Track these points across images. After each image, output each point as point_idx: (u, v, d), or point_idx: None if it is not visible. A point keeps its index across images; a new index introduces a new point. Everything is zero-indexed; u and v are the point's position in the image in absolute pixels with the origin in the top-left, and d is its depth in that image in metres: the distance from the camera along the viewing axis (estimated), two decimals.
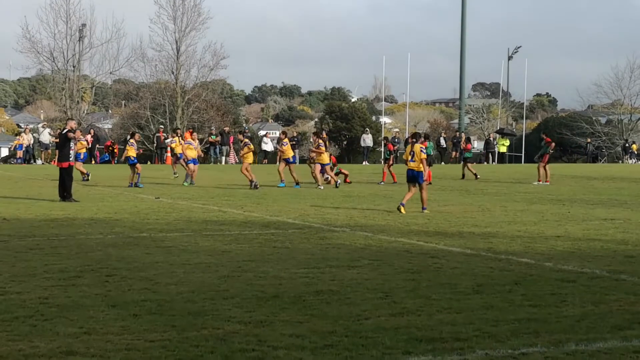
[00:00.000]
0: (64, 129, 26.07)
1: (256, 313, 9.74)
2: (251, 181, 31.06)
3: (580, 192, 31.45)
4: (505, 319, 9.57)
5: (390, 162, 36.85)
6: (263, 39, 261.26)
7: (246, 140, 33.07)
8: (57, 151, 26.89)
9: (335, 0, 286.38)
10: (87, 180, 33.57)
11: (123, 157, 33.12)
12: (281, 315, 9.64)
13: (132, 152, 32.03)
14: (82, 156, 35.76)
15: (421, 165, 22.27)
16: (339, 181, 32.74)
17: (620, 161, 71.58)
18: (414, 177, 22.46)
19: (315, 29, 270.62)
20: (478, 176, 38.91)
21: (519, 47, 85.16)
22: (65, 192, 24.89)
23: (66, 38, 66.12)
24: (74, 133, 25.49)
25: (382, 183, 35.21)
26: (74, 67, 66.92)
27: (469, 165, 40.38)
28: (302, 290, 11.20)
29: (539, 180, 36.29)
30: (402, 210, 21.85)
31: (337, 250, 15.06)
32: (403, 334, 8.83)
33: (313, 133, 40.38)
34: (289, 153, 33.58)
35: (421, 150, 22.27)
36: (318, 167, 32.48)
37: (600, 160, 72.82)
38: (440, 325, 9.21)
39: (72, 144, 25.36)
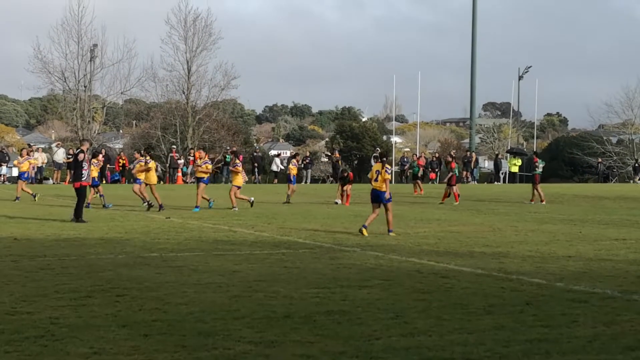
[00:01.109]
0: (78, 149, 26.21)
1: (267, 333, 9.72)
2: (143, 199, 30.45)
3: (591, 212, 31.35)
4: (516, 339, 9.53)
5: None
6: (273, 59, 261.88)
7: (147, 158, 31.26)
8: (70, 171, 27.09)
9: (343, 20, 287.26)
10: (34, 199, 34.02)
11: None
12: (292, 336, 9.62)
13: (95, 172, 31.03)
14: (26, 174, 36.73)
15: (384, 186, 21.72)
16: (252, 199, 31.25)
17: (632, 181, 71.32)
18: (377, 197, 21.90)
19: (324, 48, 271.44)
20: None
21: (529, 67, 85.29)
22: (75, 212, 24.87)
23: (77, 58, 66.35)
24: (84, 154, 25.59)
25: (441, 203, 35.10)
26: (85, 87, 67.11)
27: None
28: (312, 310, 11.18)
29: (532, 200, 36.32)
30: (364, 232, 21.26)
31: (348, 270, 15.04)
32: (414, 354, 8.81)
33: (231, 152, 37.57)
34: (293, 172, 33.90)
35: (386, 171, 21.78)
36: (234, 189, 30.89)
37: (612, 180, 72.59)
38: (451, 346, 9.18)
39: (84, 165, 25.44)
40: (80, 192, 25.24)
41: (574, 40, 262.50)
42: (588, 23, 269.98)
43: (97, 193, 31.45)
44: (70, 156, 38.52)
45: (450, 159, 39.82)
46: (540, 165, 38.46)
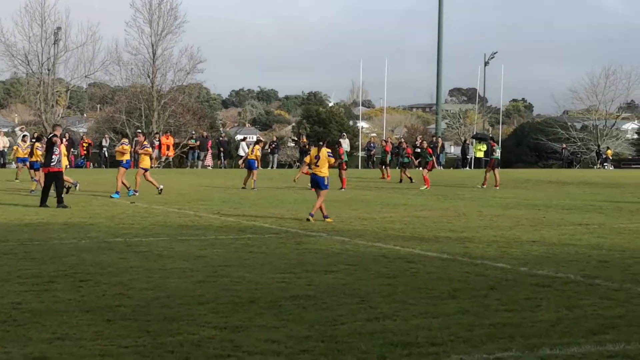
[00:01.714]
0: (51, 133, 26.03)
1: (232, 318, 9.70)
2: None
3: (555, 197, 31.59)
4: (480, 323, 9.58)
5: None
6: (240, 43, 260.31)
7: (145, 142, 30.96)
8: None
9: (309, 5, 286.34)
10: None
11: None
12: (257, 321, 9.61)
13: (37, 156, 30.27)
14: None
15: (324, 170, 21.29)
16: (160, 187, 29.93)
17: (595, 167, 71.97)
18: (316, 182, 21.54)
19: (290, 33, 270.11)
20: (413, 180, 39.41)
21: (495, 53, 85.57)
22: (56, 197, 24.47)
23: (41, 41, 65.67)
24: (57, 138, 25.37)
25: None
26: (48, 70, 66.47)
27: (406, 170, 41.15)
28: (278, 295, 11.17)
29: (484, 184, 36.61)
30: (311, 220, 20.95)
31: (314, 255, 15.05)
32: (379, 338, 8.82)
33: (140, 133, 35.39)
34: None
35: (328, 155, 21.47)
36: (140, 171, 30.04)
37: (575, 166, 73.21)
38: (416, 330, 9.21)
39: (56, 150, 25.15)
40: (48, 178, 24.93)
41: (539, 27, 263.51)
42: (553, 10, 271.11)
43: (32, 178, 30.83)
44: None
45: (426, 145, 39.93)
46: (497, 150, 38.88)
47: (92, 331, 9.02)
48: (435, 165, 61.89)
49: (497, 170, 37.14)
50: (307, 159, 22.11)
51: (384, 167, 45.24)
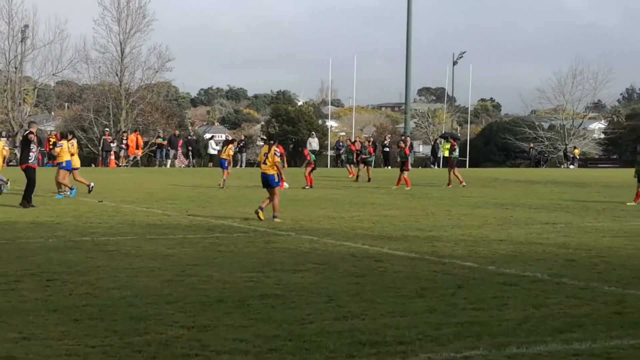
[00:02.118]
0: (26, 131, 25.66)
1: (200, 317, 9.68)
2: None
3: (523, 196, 31.77)
4: (448, 322, 9.63)
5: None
6: (208, 42, 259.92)
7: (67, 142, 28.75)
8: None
9: (275, 4, 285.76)
10: None
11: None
12: (225, 320, 9.59)
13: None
14: None
15: (272, 168, 21.02)
16: (91, 184, 28.60)
17: (562, 166, 72.48)
18: (266, 180, 21.21)
19: (257, 32, 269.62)
20: (371, 179, 39.64)
21: (463, 53, 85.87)
22: (23, 196, 24.19)
23: (8, 39, 65.15)
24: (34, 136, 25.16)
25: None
26: (16, 68, 65.96)
27: (369, 168, 41.50)
28: (246, 294, 11.16)
29: (449, 184, 36.73)
30: (261, 215, 20.87)
31: (282, 254, 15.04)
32: (347, 337, 8.84)
33: (60, 133, 32.95)
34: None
35: (274, 154, 21.11)
36: (62, 172, 27.93)
37: (543, 165, 73.69)
38: (383, 329, 9.23)
39: (32, 147, 24.96)
40: (28, 175, 24.57)
41: (507, 27, 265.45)
42: (518, 10, 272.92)
43: None
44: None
45: (403, 145, 39.88)
46: (457, 149, 39.26)
47: (59, 331, 8.96)
48: (409, 165, 62.35)
49: (456, 170, 37.44)
50: (258, 158, 21.96)
51: (349, 165, 45.45)
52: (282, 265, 13.77)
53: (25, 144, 25.15)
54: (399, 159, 39.79)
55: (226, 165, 34.95)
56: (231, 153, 36.04)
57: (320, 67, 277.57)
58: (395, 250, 15.83)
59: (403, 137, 66.06)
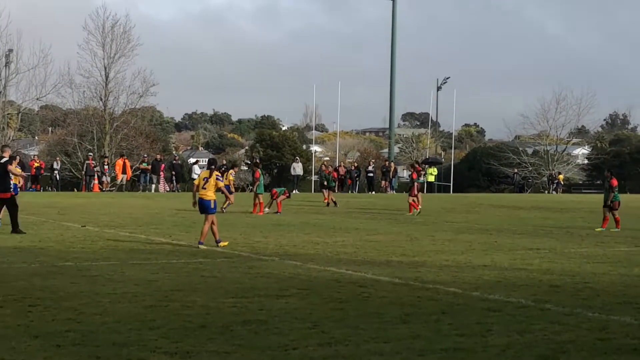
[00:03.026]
0: (1, 157, 24.26)
1: (183, 343, 9.63)
2: None
3: (506, 221, 31.85)
4: (432, 348, 9.61)
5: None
6: (192, 67, 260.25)
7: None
8: None
9: (255, 30, 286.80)
10: None
11: None
12: (208, 346, 9.54)
13: None
14: None
15: (210, 193, 20.67)
16: None
17: (547, 191, 72.72)
18: (203, 206, 20.79)
19: (241, 57, 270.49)
20: (337, 205, 39.62)
21: (447, 78, 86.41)
22: (11, 222, 23.61)
23: None
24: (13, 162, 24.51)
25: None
26: None
27: (330, 192, 41.68)
28: (229, 320, 11.11)
29: (414, 210, 36.57)
30: (223, 244, 20.62)
31: (266, 280, 15.00)
32: None
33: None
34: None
35: (217, 178, 20.85)
36: None
37: (527, 191, 73.93)
38: (367, 355, 9.20)
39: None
40: (11, 202, 24.00)
41: (490, 53, 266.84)
42: (500, 36, 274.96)
43: None
44: None
45: (412, 170, 39.45)
46: (422, 174, 39.24)
47: (42, 357, 8.89)
48: (388, 188, 62.44)
49: (419, 194, 37.32)
50: (196, 181, 21.64)
51: (324, 190, 44.94)
52: (265, 290, 13.72)
53: (4, 171, 24.06)
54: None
55: (230, 190, 34.82)
56: (232, 178, 35.92)
57: (304, 92, 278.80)
58: (379, 275, 15.81)
59: (387, 163, 66.25)
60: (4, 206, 24.52)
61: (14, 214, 23.76)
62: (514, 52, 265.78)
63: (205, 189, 20.80)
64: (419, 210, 35.07)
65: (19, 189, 25.58)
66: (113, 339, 9.80)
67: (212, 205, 20.78)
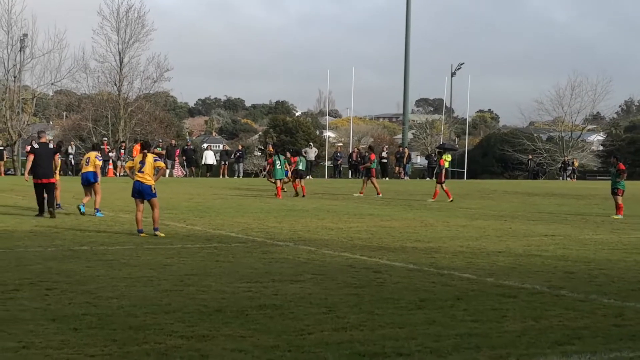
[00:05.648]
0: (45, 144, 25.62)
1: (198, 327, 9.67)
2: None
3: (521, 208, 31.80)
4: (447, 334, 9.62)
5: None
6: (206, 52, 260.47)
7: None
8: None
9: (265, 15, 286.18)
10: None
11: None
12: (224, 330, 9.58)
13: None
14: None
15: (149, 178, 19.75)
16: None
17: (561, 178, 72.53)
18: (141, 192, 19.82)
19: (252, 43, 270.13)
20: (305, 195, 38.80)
21: (462, 64, 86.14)
22: (49, 205, 24.01)
23: (7, 48, 65.31)
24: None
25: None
26: (14, 77, 66.05)
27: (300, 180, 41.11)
28: (244, 304, 11.14)
29: (361, 193, 37.32)
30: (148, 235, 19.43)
31: (281, 265, 15.04)
32: (346, 348, 8.83)
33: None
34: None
35: (155, 160, 19.97)
36: None
37: (541, 177, 73.75)
38: (382, 340, 9.22)
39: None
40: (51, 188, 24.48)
41: (504, 40, 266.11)
42: (512, 23, 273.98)
43: None
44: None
45: (439, 156, 39.10)
46: (375, 161, 39.66)
47: (59, 340, 8.95)
48: (402, 174, 62.35)
49: (374, 179, 37.83)
50: (129, 164, 20.91)
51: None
52: (280, 275, 13.76)
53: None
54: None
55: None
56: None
57: (317, 77, 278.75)
58: (394, 261, 15.82)
59: (401, 149, 66.11)
60: (90, 191, 25.73)
61: (52, 198, 24.29)
62: (526, 39, 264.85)
63: (142, 172, 19.77)
64: (437, 198, 34.98)
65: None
66: (129, 322, 9.86)
67: (152, 190, 19.77)
